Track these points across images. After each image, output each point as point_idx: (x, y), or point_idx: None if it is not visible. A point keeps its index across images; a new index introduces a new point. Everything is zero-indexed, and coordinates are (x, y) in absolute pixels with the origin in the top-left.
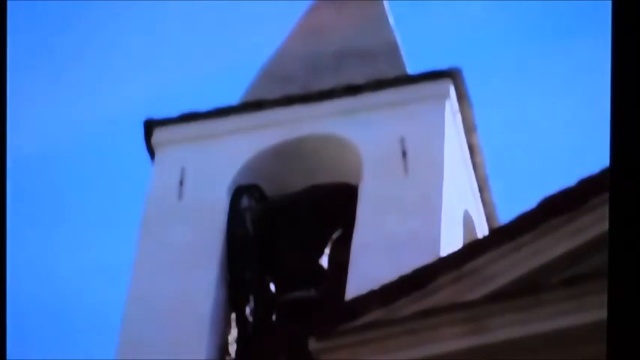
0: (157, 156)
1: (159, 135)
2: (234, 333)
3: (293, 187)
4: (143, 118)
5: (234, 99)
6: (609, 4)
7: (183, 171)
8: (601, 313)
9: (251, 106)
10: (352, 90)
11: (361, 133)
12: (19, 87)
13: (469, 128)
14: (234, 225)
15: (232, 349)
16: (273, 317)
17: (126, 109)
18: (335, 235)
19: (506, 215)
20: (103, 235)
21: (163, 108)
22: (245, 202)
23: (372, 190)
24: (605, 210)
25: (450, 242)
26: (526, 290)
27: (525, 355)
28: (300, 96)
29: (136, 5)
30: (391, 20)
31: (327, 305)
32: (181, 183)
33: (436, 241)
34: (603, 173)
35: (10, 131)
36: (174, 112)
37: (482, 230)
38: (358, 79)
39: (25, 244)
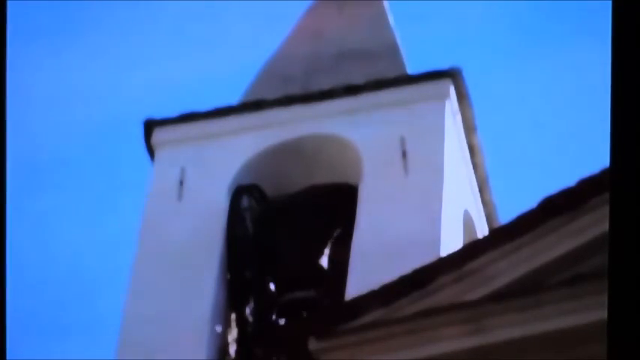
0: (156, 156)
1: (159, 135)
2: (234, 333)
3: (293, 187)
4: (143, 118)
5: (234, 99)
6: (609, 4)
7: (183, 171)
8: (601, 313)
9: (251, 106)
10: (352, 90)
11: (361, 133)
12: (19, 87)
13: (469, 128)
14: (234, 225)
15: (232, 349)
16: (273, 317)
17: (126, 109)
18: (335, 235)
19: (506, 215)
20: (102, 234)
21: (163, 108)
22: (245, 202)
23: (372, 190)
24: (605, 210)
25: (450, 242)
26: (526, 290)
27: (525, 355)
28: (300, 96)
29: (136, 5)
30: (391, 20)
31: (327, 305)
32: (181, 183)
33: (436, 241)
34: (603, 173)
35: (9, 132)
36: (174, 112)
37: (482, 230)
38: (358, 79)
39: (24, 243)
